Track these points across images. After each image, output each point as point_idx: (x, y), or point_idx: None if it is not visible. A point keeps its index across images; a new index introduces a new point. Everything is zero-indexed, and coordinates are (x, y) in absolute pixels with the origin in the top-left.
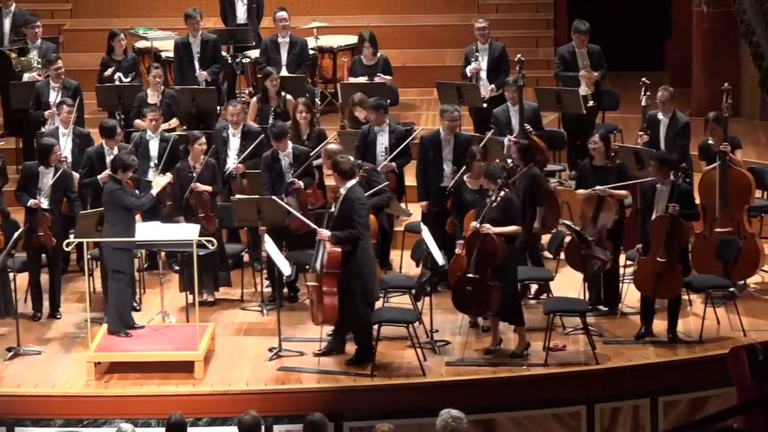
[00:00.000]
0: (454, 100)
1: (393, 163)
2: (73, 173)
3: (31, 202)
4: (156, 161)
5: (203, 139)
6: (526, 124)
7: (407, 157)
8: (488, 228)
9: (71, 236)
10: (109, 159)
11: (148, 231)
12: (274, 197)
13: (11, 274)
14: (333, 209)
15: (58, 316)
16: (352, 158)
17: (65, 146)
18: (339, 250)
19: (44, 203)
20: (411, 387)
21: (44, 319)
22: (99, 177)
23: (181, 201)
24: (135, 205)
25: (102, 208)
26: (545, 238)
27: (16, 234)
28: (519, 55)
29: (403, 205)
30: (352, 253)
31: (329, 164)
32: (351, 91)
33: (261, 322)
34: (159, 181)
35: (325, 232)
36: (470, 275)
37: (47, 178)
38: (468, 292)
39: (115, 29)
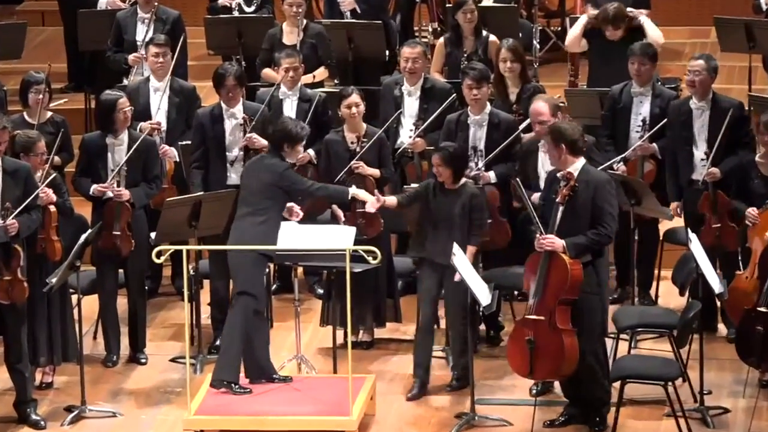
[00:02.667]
0: (742, 46)
1: (653, 145)
2: (166, 148)
3: (93, 189)
4: None
5: (356, 97)
6: None
7: None
8: None
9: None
10: (230, 124)
11: (288, 235)
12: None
13: (74, 297)
14: (558, 199)
15: (143, 361)
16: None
17: (158, 106)
18: (579, 265)
19: (117, 190)
20: None
21: (122, 364)
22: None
23: None
24: (312, 190)
25: (199, 193)
26: None
27: (82, 237)
28: None
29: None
30: (589, 263)
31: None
32: None
33: (444, 374)
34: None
35: (558, 241)
36: (763, 309)
37: (119, 151)
38: (758, 335)
39: None
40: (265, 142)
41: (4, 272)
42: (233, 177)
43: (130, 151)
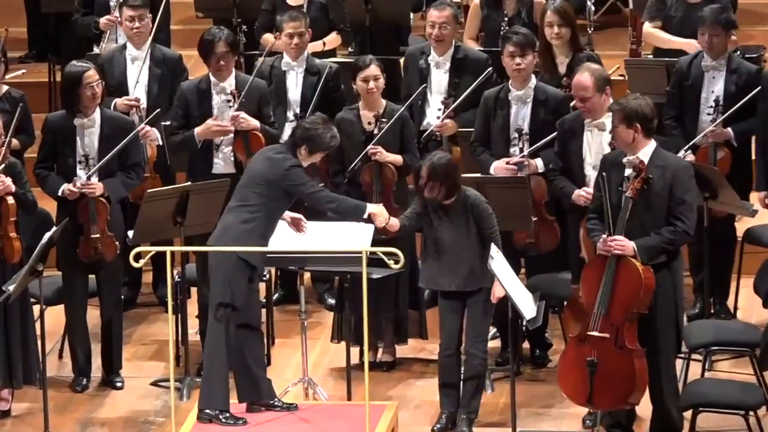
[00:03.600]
0: None
1: (728, 130)
2: (147, 129)
3: (63, 188)
4: (298, 110)
5: (374, 69)
6: None
7: (753, 120)
8: None
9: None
10: (218, 101)
11: (286, 235)
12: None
13: (36, 308)
14: (629, 194)
15: (119, 385)
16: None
17: (136, 79)
18: (653, 272)
19: (89, 184)
20: None
21: (93, 389)
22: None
23: (340, 177)
24: (318, 197)
25: (188, 183)
26: None
27: (46, 236)
28: None
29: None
30: (664, 266)
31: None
32: None
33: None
34: None
35: (628, 244)
36: None
37: (90, 134)
38: None
39: None
40: (256, 123)
41: None
42: (220, 164)
43: (125, 143)
